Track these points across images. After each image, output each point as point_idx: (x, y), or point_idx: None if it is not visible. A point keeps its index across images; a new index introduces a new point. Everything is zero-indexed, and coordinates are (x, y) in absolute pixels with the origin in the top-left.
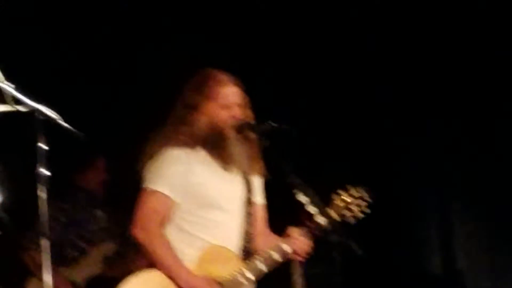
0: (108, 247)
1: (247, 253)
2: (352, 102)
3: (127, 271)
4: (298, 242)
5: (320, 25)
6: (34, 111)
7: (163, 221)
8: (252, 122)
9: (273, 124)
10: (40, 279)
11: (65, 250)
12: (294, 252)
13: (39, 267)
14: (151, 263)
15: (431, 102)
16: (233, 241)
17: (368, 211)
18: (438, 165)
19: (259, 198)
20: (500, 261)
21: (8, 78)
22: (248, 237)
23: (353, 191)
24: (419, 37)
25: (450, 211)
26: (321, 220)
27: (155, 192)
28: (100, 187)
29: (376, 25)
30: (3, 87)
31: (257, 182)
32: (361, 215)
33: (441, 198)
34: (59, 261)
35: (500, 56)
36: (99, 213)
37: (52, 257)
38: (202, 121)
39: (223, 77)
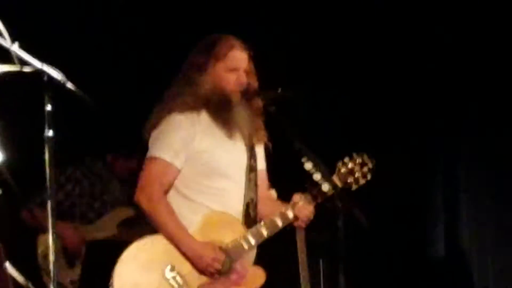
0: (125, 212)
1: (251, 220)
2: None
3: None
4: (302, 209)
5: None
6: (40, 72)
7: (167, 188)
8: (258, 88)
9: (280, 91)
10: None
11: (83, 214)
12: (298, 219)
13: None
14: (156, 229)
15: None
16: (236, 208)
17: (370, 178)
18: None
19: (261, 163)
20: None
21: (16, 38)
22: (251, 204)
23: (358, 159)
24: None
25: (455, 177)
26: (326, 187)
27: (157, 159)
28: (127, 173)
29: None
30: (9, 49)
31: (260, 149)
32: (364, 182)
33: (448, 166)
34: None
35: None
36: (115, 184)
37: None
38: (207, 81)
39: (233, 40)
